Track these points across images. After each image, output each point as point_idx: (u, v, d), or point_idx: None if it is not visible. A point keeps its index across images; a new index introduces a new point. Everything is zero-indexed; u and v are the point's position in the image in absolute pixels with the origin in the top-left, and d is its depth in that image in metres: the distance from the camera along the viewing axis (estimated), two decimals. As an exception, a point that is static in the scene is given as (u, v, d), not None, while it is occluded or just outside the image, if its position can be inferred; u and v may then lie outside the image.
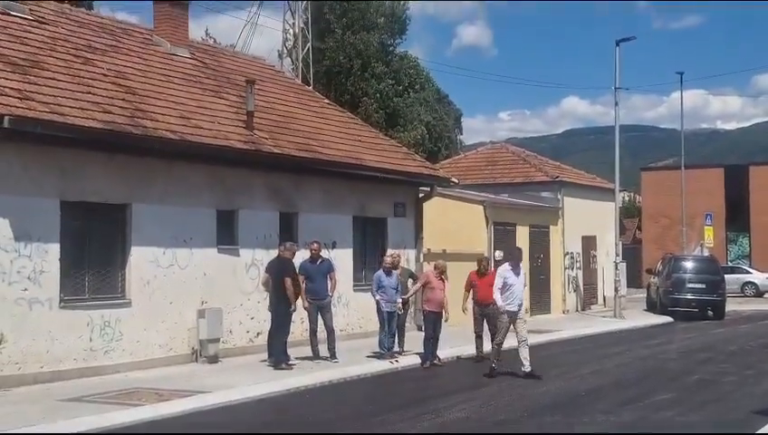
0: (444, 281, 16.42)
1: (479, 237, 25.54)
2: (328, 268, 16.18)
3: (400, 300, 16.46)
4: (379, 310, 16.34)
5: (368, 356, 16.31)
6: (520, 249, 15.90)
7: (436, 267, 16.65)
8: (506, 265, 15.08)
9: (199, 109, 16.98)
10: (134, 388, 12.76)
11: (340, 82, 43.74)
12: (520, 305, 14.86)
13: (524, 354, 14.70)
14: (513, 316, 14.70)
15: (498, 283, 14.71)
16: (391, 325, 16.43)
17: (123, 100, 15.27)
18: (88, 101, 14.36)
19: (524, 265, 27.22)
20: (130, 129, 14.43)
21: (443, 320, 16.28)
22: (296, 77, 23.97)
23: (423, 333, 16.54)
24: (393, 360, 16.13)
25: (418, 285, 16.73)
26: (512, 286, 14.65)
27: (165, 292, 15.27)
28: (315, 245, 16.19)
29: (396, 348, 16.75)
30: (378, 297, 16.25)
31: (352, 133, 21.40)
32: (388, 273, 16.50)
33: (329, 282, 16.08)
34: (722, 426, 10.53)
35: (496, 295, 14.69)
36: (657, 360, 17.96)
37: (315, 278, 15.91)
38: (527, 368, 14.62)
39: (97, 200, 14.34)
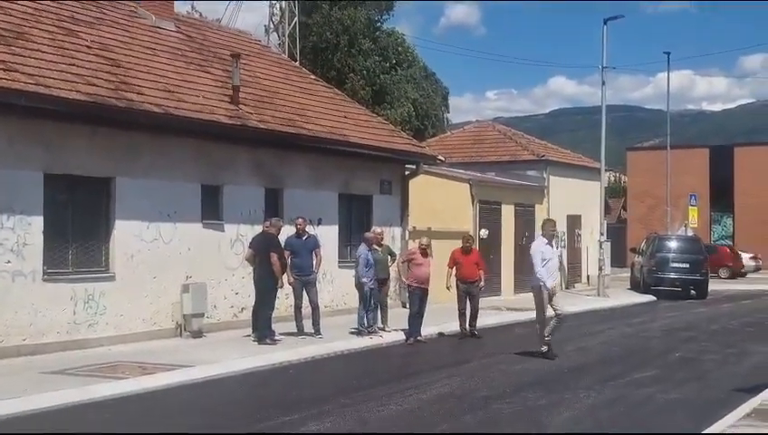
0: (429, 257, 16.47)
1: (465, 216, 25.57)
2: (314, 244, 16.17)
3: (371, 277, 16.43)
4: (361, 287, 16.34)
5: (351, 332, 16.34)
6: (553, 222, 15.12)
7: (420, 244, 16.69)
8: (541, 240, 14.47)
9: (184, 82, 16.88)
10: (117, 361, 12.75)
11: (326, 58, 43.53)
12: (556, 280, 14.46)
13: (549, 331, 14.26)
14: (553, 291, 14.16)
15: (537, 259, 14.04)
16: (373, 302, 16.45)
17: (108, 72, 15.16)
18: (72, 74, 14.24)
19: (508, 244, 27.66)
20: (115, 102, 14.33)
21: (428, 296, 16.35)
22: (282, 52, 23.82)
23: (407, 310, 16.59)
24: (373, 336, 16.14)
25: (401, 260, 16.82)
26: (549, 261, 14.10)
27: (149, 266, 15.24)
28: (301, 220, 16.17)
29: (379, 324, 16.79)
30: (365, 279, 16.23)
31: (339, 109, 21.33)
32: (373, 250, 16.52)
33: (314, 258, 16.08)
34: (698, 409, 10.60)
35: (539, 272, 14.02)
36: (639, 338, 18.09)
37: (301, 254, 15.91)
38: (544, 348, 14.25)
39: (81, 174, 14.26)
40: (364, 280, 16.19)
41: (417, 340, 16.19)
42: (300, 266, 15.86)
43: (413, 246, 18.08)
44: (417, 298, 16.29)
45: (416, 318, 16.30)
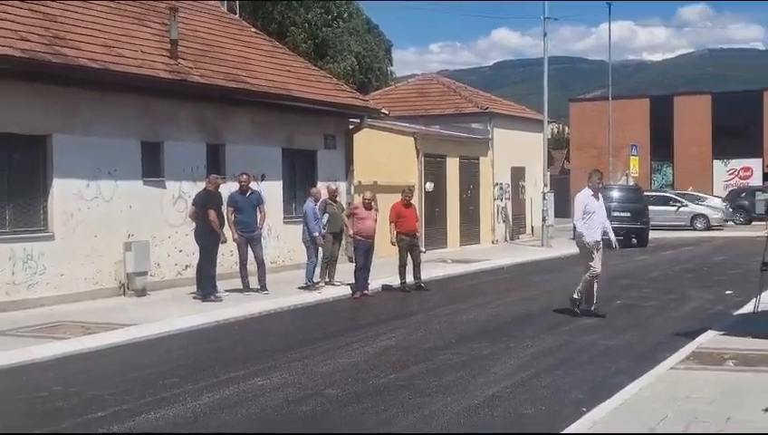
0: (373, 211, 16.50)
1: (410, 169, 25.59)
2: (257, 200, 16.08)
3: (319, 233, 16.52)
4: (313, 241, 16.35)
5: (299, 287, 16.34)
6: (600, 173, 14.01)
7: (363, 197, 16.71)
8: (586, 191, 13.49)
9: (122, 37, 16.52)
10: (59, 321, 12.61)
11: (266, 10, 42.88)
12: (605, 233, 13.54)
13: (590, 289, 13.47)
14: (596, 246, 13.27)
15: (579, 210, 13.23)
16: (322, 256, 16.46)
17: (42, 27, 14.76)
18: (5, 29, 13.84)
19: (453, 196, 27.78)
20: (50, 57, 14.00)
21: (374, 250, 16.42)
22: (222, 5, 23.40)
23: (353, 265, 16.63)
24: (322, 290, 16.19)
25: (345, 214, 16.88)
26: (593, 214, 13.26)
27: (89, 225, 15.02)
28: (244, 177, 16.04)
29: (326, 278, 16.82)
30: (316, 233, 16.23)
31: (281, 63, 21.09)
32: (329, 204, 16.52)
33: (258, 214, 16.00)
34: (639, 356, 10.81)
35: (578, 224, 13.28)
36: (582, 287, 18.29)
37: (245, 210, 15.81)
38: (576, 293, 13.55)
39: (17, 131, 13.97)
40: (315, 234, 16.19)
41: (364, 294, 16.25)
42: (244, 223, 15.77)
43: (357, 200, 18.05)
44: (363, 252, 16.33)
45: (362, 272, 16.34)
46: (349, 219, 16.88)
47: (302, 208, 16.97)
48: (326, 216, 16.76)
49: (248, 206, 15.87)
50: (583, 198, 13.36)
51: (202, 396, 8.50)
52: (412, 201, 17.89)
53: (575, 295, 13.56)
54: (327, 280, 16.82)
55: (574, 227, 13.97)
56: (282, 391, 8.68)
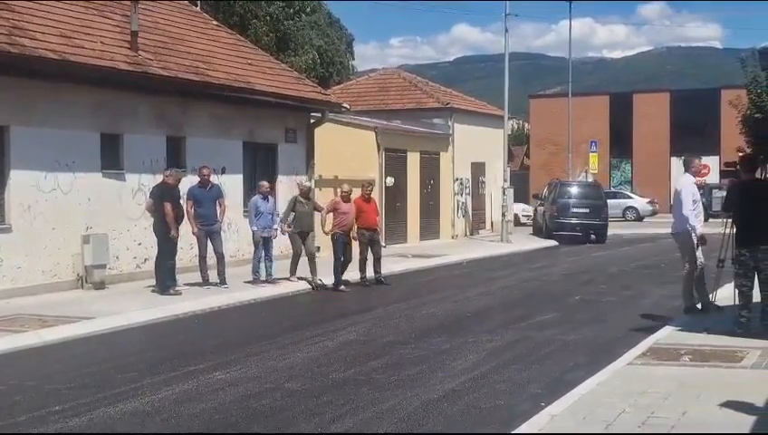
0: (351, 203, 16.71)
1: (371, 164, 25.60)
2: (218, 194, 16.02)
3: (277, 227, 16.49)
4: (253, 236, 16.40)
5: (244, 282, 16.12)
6: (700, 157, 13.01)
7: (342, 191, 16.80)
8: (688, 178, 12.20)
9: (82, 28, 16.33)
10: (16, 314, 12.48)
11: (228, 3, 42.58)
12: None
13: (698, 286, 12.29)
14: (701, 238, 11.96)
15: (688, 198, 11.88)
16: (268, 250, 16.39)
17: (0, 17, 14.55)
18: (-40, 18, 13.66)
19: (414, 191, 27.89)
20: (7, 47, 13.80)
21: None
22: (184, -3, 23.23)
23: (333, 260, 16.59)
24: (276, 283, 16.16)
25: (325, 211, 16.77)
26: (698, 202, 12.07)
27: (47, 217, 14.86)
28: (206, 170, 15.95)
29: (297, 274, 16.69)
30: (254, 227, 16.22)
31: (242, 56, 20.99)
32: (265, 198, 16.45)
33: (218, 208, 15.94)
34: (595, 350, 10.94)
35: (690, 216, 11.89)
36: (540, 282, 18.50)
37: (205, 204, 15.74)
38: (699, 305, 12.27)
39: (-27, 122, 13.77)
40: (254, 228, 16.23)
41: (339, 289, 16.25)
42: (204, 216, 15.70)
43: (335, 196, 17.90)
44: (343, 244, 16.42)
45: (343, 265, 16.46)
46: (328, 215, 16.77)
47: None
48: (292, 214, 16.65)
49: (208, 199, 15.80)
50: (689, 187, 11.97)
51: (160, 390, 8.46)
52: (372, 196, 17.91)
53: (695, 303, 12.27)
54: (300, 277, 16.62)
55: (678, 221, 12.26)
56: (241, 385, 8.66)
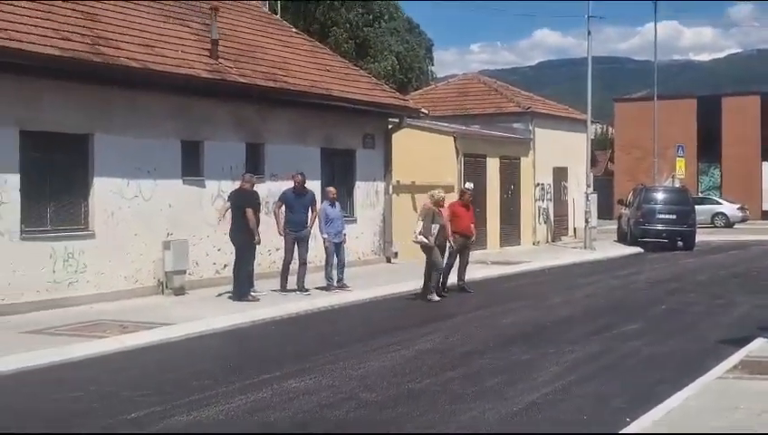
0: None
1: (449, 169, 25.35)
2: (311, 200, 16.02)
3: (426, 240, 15.75)
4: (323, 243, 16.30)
5: (316, 288, 16.04)
6: None
7: (438, 198, 16.14)
8: None
9: (163, 37, 16.52)
10: (98, 320, 12.61)
11: (308, 11, 42.93)
12: None
13: None
14: None
15: None
16: (340, 256, 16.28)
17: (84, 27, 14.79)
18: (47, 28, 13.89)
19: (494, 197, 27.47)
20: (91, 57, 14.02)
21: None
22: (263, 5, 23.36)
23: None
24: (341, 290, 16.03)
25: (442, 222, 16.13)
26: None
27: (129, 223, 15.03)
28: (300, 177, 15.88)
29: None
30: (325, 235, 16.10)
31: (321, 63, 20.99)
32: (333, 204, 16.31)
33: (309, 214, 15.90)
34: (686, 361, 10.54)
35: None
36: (625, 290, 18.03)
37: (296, 209, 15.76)
38: None
39: (58, 130, 14.00)
40: (324, 235, 16.16)
41: (442, 295, 16.00)
42: (294, 222, 15.72)
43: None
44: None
45: (446, 269, 16.33)
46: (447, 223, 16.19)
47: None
48: (434, 226, 15.94)
49: (300, 205, 15.79)
50: None
51: (234, 398, 8.38)
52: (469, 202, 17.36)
53: None
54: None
55: None
56: (315, 395, 8.53)
